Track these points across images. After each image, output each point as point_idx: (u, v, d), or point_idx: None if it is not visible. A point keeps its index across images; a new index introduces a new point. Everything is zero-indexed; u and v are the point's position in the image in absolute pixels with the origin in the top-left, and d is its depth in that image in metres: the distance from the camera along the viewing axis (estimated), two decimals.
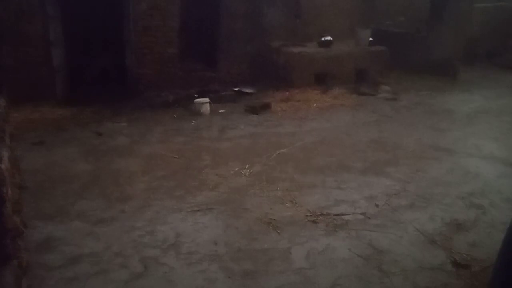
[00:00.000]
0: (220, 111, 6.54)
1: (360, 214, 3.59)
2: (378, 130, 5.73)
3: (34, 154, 4.78)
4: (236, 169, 4.44)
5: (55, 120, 5.96)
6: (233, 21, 7.81)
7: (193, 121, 6.00)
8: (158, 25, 7.25)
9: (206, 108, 6.38)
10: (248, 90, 7.41)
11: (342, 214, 3.57)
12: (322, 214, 3.56)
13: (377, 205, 3.73)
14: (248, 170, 4.42)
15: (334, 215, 3.56)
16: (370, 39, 7.98)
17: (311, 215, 3.54)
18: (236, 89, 7.41)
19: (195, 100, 6.47)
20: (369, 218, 3.52)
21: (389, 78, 7.97)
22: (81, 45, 7.66)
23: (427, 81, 8.15)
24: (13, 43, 6.50)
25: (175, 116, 6.27)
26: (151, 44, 7.27)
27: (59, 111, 6.28)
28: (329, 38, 7.78)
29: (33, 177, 4.20)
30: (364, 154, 4.93)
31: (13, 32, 6.50)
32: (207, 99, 6.49)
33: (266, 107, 6.60)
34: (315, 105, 6.81)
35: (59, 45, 6.80)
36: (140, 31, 7.15)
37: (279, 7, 8.04)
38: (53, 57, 6.79)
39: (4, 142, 2.83)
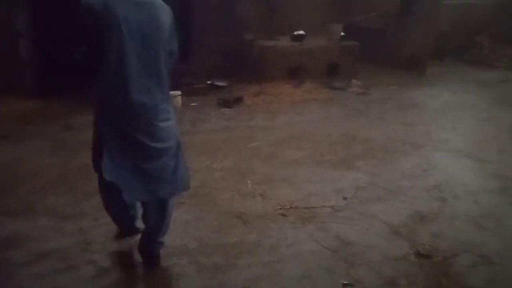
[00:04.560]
0: (192, 104, 6.51)
1: (329, 207, 3.66)
2: (349, 124, 5.83)
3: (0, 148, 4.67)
4: (207, 163, 4.45)
5: (22, 113, 5.81)
6: (207, 13, 7.76)
7: None
8: None
9: (178, 101, 6.33)
10: (221, 83, 7.39)
11: (311, 207, 3.64)
12: (291, 208, 3.61)
13: (345, 198, 3.81)
14: (220, 164, 4.44)
15: (303, 208, 3.62)
16: (342, 34, 8.07)
17: (280, 209, 3.59)
18: (209, 82, 7.39)
19: None
20: (337, 211, 3.59)
21: (360, 73, 8.08)
22: (53, 35, 7.45)
23: (397, 76, 8.33)
24: None
25: None
26: None
27: (27, 104, 6.12)
28: (301, 32, 7.83)
29: None
30: (335, 148, 5.01)
31: None
32: (179, 92, 6.44)
33: (239, 100, 6.62)
34: (287, 99, 6.86)
35: (26, 35, 6.62)
36: None
37: (253, 0, 8.03)
38: (20, 48, 6.61)
39: None
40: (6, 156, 4.54)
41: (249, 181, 4.08)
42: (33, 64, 6.75)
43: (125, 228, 3.03)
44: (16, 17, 6.44)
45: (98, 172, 2.55)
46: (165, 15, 2.40)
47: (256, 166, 4.45)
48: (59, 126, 5.37)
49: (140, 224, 2.97)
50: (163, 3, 2.43)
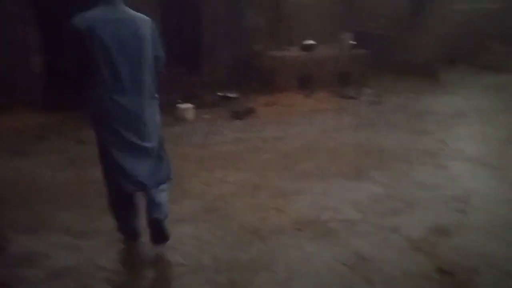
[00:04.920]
0: (204, 116, 6.50)
1: (345, 220, 3.59)
2: (362, 133, 5.77)
3: (14, 164, 4.69)
4: (220, 176, 4.41)
5: (36, 127, 5.86)
6: (216, 25, 7.79)
7: (177, 128, 5.94)
8: None
9: (190, 114, 6.34)
10: (232, 95, 7.38)
11: (327, 221, 3.57)
12: (306, 222, 3.55)
13: (361, 211, 3.75)
14: (233, 177, 4.40)
15: (319, 222, 3.56)
16: (352, 42, 8.03)
17: (295, 223, 3.53)
18: (220, 94, 7.39)
19: (179, 105, 6.42)
20: (354, 225, 3.52)
21: (372, 81, 8.03)
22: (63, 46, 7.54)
23: (409, 83, 8.25)
24: None
25: None
26: None
27: (40, 118, 6.18)
28: (311, 41, 7.81)
29: (12, 188, 4.12)
30: (348, 159, 4.95)
31: None
32: (190, 105, 6.45)
33: (250, 111, 6.59)
34: (299, 109, 6.83)
35: (38, 50, 6.69)
36: None
37: (262, 11, 8.03)
38: (33, 62, 6.69)
39: None
40: (20, 171, 4.55)
41: (262, 195, 4.03)
42: (45, 78, 6.81)
43: (131, 231, 3.18)
44: (28, 33, 6.52)
45: (107, 171, 2.95)
46: (145, 27, 2.74)
47: (269, 179, 4.40)
48: (71, 140, 5.39)
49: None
50: (143, 17, 2.78)
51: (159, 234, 2.99)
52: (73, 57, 2.75)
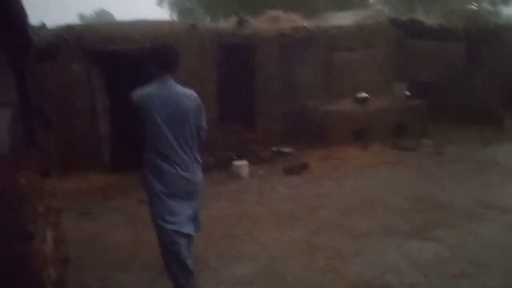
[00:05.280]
0: (259, 172, 6.57)
1: (408, 285, 3.39)
2: (423, 188, 5.54)
3: (80, 224, 4.94)
4: (275, 236, 4.37)
5: (101, 188, 6.19)
6: (268, 82, 8.03)
7: (232, 185, 6.04)
8: (196, 91, 7.51)
9: (245, 171, 6.44)
10: (286, 150, 7.45)
11: (388, 286, 3.39)
12: (366, 286, 3.39)
13: (425, 275, 3.53)
14: (288, 237, 4.34)
15: (379, 287, 3.38)
16: (407, 92, 7.92)
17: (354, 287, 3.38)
18: (275, 149, 7.48)
19: (234, 162, 6.56)
20: None
21: (431, 131, 7.79)
22: (126, 112, 8.07)
23: (471, 131, 7.91)
24: (62, 115, 6.95)
25: (214, 180, 6.34)
26: None
27: (105, 178, 6.54)
28: (364, 94, 7.80)
29: (78, 249, 4.30)
30: (409, 216, 4.74)
31: (63, 104, 6.97)
32: (245, 161, 6.57)
33: (304, 166, 6.59)
34: (354, 162, 6.72)
35: (105, 115, 7.20)
36: None
37: (312, 66, 8.20)
38: (99, 126, 7.18)
39: (48, 221, 2.96)
40: (85, 232, 4.78)
41: (319, 256, 3.93)
42: (110, 141, 7.27)
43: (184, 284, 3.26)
44: (95, 99, 7.06)
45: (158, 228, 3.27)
46: (189, 101, 3.17)
47: (325, 239, 4.29)
48: (133, 200, 5.62)
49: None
50: (189, 92, 3.23)
51: None
52: (133, 124, 3.23)
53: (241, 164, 6.48)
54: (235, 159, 6.80)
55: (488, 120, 8.22)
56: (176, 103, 3.12)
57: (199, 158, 3.30)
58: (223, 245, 4.25)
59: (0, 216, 1.99)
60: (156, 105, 3.08)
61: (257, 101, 8.07)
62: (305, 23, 8.63)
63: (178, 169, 3.15)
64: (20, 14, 2.08)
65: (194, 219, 3.33)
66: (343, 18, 9.72)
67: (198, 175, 3.29)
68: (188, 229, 3.23)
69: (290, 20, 9.13)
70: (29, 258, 2.16)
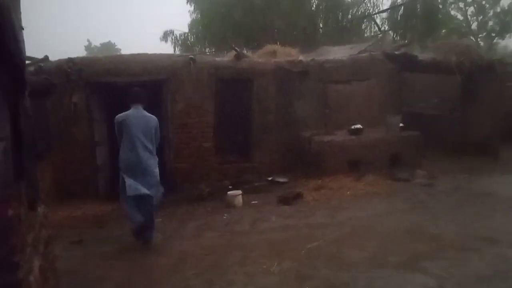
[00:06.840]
0: (253, 202, 6.61)
1: None
2: (415, 218, 5.56)
3: (72, 253, 4.96)
4: (264, 266, 4.38)
5: (96, 216, 6.24)
6: (265, 114, 8.19)
7: (225, 215, 6.09)
8: (194, 122, 7.72)
9: (239, 201, 6.49)
10: (281, 179, 7.52)
11: None
12: None
13: None
14: (277, 267, 4.35)
15: None
16: (401, 124, 8.04)
17: None
18: (270, 179, 7.55)
19: (228, 192, 6.62)
20: None
21: (424, 162, 7.85)
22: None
23: (465, 163, 7.98)
24: (61, 145, 7.09)
25: (209, 209, 6.39)
26: (187, 139, 7.70)
27: (100, 207, 6.60)
28: (359, 126, 7.91)
29: (68, 278, 4.31)
30: (399, 247, 4.75)
31: (62, 135, 7.12)
32: (239, 191, 6.62)
33: (298, 196, 6.63)
34: (348, 193, 6.77)
35: (103, 145, 7.32)
36: (177, 128, 7.63)
37: (308, 99, 8.37)
38: (97, 156, 7.30)
39: (37, 251, 3.00)
40: (76, 261, 4.80)
41: (307, 287, 3.93)
42: (106, 169, 7.36)
43: (138, 226, 5.00)
44: (93, 130, 7.20)
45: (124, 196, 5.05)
46: (152, 121, 5.11)
47: (315, 269, 4.30)
48: (126, 229, 5.64)
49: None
50: (152, 116, 5.13)
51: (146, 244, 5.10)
52: (118, 136, 5.14)
53: (236, 194, 6.54)
54: (230, 189, 6.86)
55: (482, 151, 8.28)
56: (144, 121, 5.04)
57: (155, 155, 5.15)
58: (213, 275, 4.26)
59: None
60: (131, 121, 4.98)
61: (254, 131, 8.20)
62: (301, 57, 8.85)
63: (141, 159, 4.93)
64: (15, 55, 2.18)
65: (151, 188, 4.95)
66: (339, 52, 9.97)
67: (152, 164, 5.05)
68: (144, 191, 4.86)
69: (287, 54, 9.38)
70: None
